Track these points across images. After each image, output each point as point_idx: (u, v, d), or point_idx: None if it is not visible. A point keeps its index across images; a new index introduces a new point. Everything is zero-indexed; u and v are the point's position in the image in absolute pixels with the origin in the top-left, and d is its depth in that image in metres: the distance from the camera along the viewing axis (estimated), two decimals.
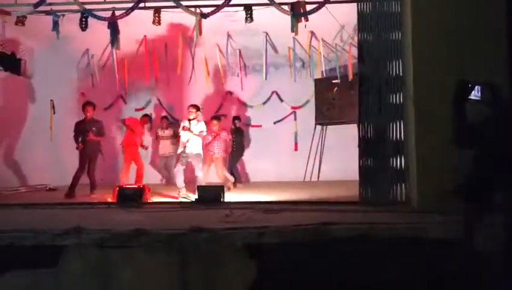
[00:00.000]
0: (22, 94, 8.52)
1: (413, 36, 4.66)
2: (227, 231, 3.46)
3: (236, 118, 9.74)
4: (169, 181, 9.52)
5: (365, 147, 5.20)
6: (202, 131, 7.05)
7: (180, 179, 6.82)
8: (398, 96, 5.07)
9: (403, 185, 4.91)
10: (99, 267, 3.39)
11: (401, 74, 5.02)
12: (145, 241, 3.42)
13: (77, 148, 7.06)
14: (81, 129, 7.08)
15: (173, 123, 9.93)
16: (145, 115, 9.16)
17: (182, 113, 10.54)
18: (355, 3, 5.50)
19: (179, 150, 7.07)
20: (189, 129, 6.88)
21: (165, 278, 3.36)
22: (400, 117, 5.00)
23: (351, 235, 3.39)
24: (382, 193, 5.02)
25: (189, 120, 7.01)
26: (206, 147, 7.72)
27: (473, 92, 2.16)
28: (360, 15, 5.39)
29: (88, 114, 7.17)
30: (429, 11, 4.58)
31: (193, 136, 6.90)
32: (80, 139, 7.04)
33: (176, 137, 9.39)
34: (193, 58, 8.61)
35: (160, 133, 9.55)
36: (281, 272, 3.29)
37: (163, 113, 10.44)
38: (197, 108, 7.23)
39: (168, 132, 9.53)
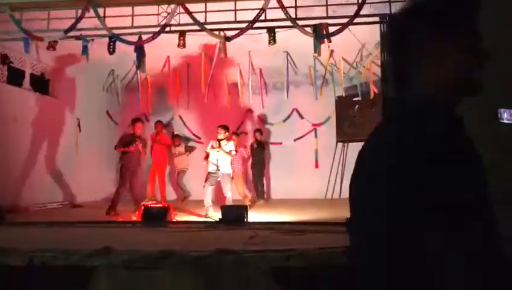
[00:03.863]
0: (51, 113, 8.77)
1: None
2: (254, 254, 3.48)
3: (257, 130, 9.82)
4: (180, 196, 9.73)
5: None
6: (231, 150, 7.16)
7: (208, 198, 6.87)
8: None
9: None
10: (128, 288, 3.45)
11: None
12: (172, 263, 3.47)
13: (124, 149, 7.16)
14: (127, 142, 7.19)
15: (188, 140, 10.46)
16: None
17: (203, 130, 10.72)
18: (377, 24, 5.55)
19: (209, 169, 7.11)
20: (219, 146, 7.01)
21: None
22: None
23: None
24: None
25: (219, 140, 7.12)
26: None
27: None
28: (383, 36, 5.42)
29: (139, 130, 7.30)
30: None
31: (223, 156, 7.01)
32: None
33: (187, 151, 9.76)
34: (213, 77, 8.70)
35: (173, 150, 9.70)
36: None
37: (176, 132, 10.67)
38: (226, 128, 7.32)
39: (180, 149, 9.78)
